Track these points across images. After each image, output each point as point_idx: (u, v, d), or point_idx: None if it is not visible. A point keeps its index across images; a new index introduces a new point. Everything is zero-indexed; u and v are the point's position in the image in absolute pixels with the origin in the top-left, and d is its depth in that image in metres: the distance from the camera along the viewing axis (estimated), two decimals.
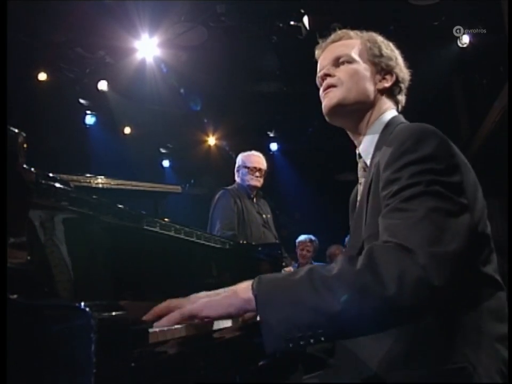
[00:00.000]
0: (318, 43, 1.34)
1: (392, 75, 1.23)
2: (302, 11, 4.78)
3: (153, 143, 7.55)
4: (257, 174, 3.30)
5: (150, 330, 0.84)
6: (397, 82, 1.23)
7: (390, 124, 1.17)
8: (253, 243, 2.64)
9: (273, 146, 8.11)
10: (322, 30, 5.10)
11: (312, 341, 0.84)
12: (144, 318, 0.94)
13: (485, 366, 0.93)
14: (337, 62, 1.22)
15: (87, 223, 0.99)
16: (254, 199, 3.35)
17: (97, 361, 0.65)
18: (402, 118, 1.21)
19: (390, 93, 1.23)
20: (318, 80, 1.28)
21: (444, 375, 0.93)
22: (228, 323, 1.18)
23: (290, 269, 3.73)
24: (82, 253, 0.96)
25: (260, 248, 2.23)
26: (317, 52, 1.32)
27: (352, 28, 1.31)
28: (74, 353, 0.66)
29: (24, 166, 0.81)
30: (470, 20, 4.93)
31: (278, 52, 5.54)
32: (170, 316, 0.92)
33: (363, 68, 1.20)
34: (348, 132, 1.28)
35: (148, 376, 0.80)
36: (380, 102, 1.21)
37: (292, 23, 4.90)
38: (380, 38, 1.27)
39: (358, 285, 0.83)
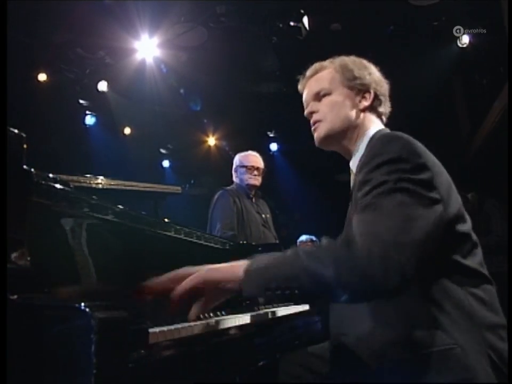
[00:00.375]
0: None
1: (370, 92, 1.31)
2: (302, 11, 4.77)
3: (153, 143, 7.54)
4: (255, 172, 3.29)
5: (150, 330, 0.84)
6: (376, 97, 1.32)
7: (373, 138, 1.25)
8: (253, 243, 2.63)
9: (273, 146, 8.11)
10: (322, 31, 5.12)
11: (287, 292, 1.00)
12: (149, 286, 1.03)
13: (472, 349, 0.99)
14: (318, 96, 1.33)
15: (86, 223, 0.99)
16: (253, 199, 3.35)
17: (97, 362, 0.65)
18: (385, 131, 1.28)
19: (372, 108, 1.32)
20: (306, 115, 1.38)
21: (432, 356, 0.99)
22: (228, 323, 1.19)
23: None
24: (81, 253, 0.96)
25: (260, 248, 2.23)
26: (299, 87, 1.42)
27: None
28: (74, 353, 0.66)
29: (24, 166, 0.81)
30: (470, 20, 4.93)
31: (278, 52, 5.54)
32: (180, 286, 1.02)
33: (341, 95, 1.30)
34: (341, 153, 1.38)
35: (147, 377, 0.80)
36: (364, 120, 1.31)
37: (291, 23, 4.89)
38: (351, 60, 1.35)
39: (335, 253, 0.98)
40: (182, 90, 6.31)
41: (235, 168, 3.39)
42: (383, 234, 0.94)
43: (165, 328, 0.91)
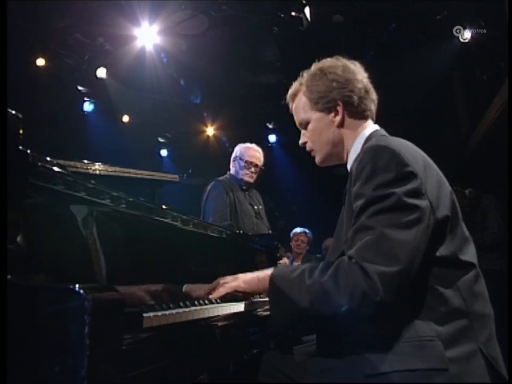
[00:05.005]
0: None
1: (339, 105, 1.31)
2: (304, 2, 4.74)
3: (152, 132, 7.51)
4: (252, 169, 3.27)
5: (145, 315, 0.85)
6: (347, 103, 1.31)
7: (366, 140, 1.29)
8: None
9: (272, 138, 8.09)
10: (323, 22, 5.08)
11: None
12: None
13: (454, 343, 1.03)
14: (302, 125, 1.41)
15: (83, 207, 0.99)
16: (246, 191, 3.34)
17: (91, 343, 0.65)
18: (376, 132, 1.31)
19: (349, 116, 1.32)
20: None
21: (409, 345, 1.04)
22: (222, 311, 1.19)
23: (285, 260, 3.73)
24: (77, 236, 0.96)
25: (256, 239, 2.23)
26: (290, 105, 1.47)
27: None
28: (67, 335, 0.66)
29: (20, 147, 0.81)
30: (472, 14, 4.90)
31: (278, 42, 5.51)
32: (218, 291, 1.30)
33: (317, 120, 1.35)
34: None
35: (141, 360, 0.80)
36: (346, 131, 1.33)
37: (293, 13, 4.86)
38: (313, 75, 1.35)
39: (324, 291, 1.08)
40: (182, 82, 6.27)
41: (234, 158, 3.37)
42: (366, 264, 1.02)
43: (159, 313, 0.91)
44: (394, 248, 1.02)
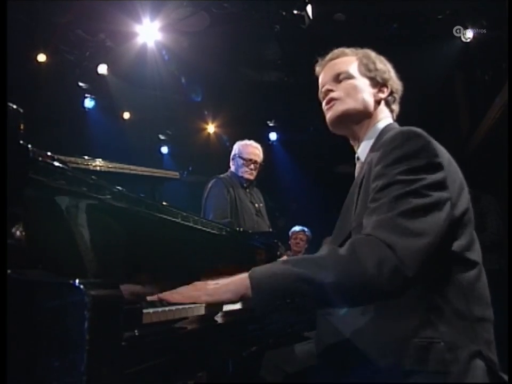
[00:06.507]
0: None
1: (387, 87, 1.37)
2: (306, 0, 4.73)
3: (153, 129, 7.50)
4: (252, 166, 3.27)
5: (144, 311, 0.85)
6: (391, 93, 1.38)
7: (384, 130, 1.30)
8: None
9: (273, 136, 8.08)
10: (325, 20, 5.07)
11: (296, 306, 0.98)
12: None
13: (457, 345, 1.01)
14: (337, 78, 1.37)
15: (83, 202, 0.98)
16: (247, 188, 3.33)
17: (90, 339, 0.65)
18: (396, 125, 1.33)
19: (386, 103, 1.37)
20: (320, 95, 1.42)
21: (412, 347, 1.01)
22: (222, 307, 1.19)
23: (285, 258, 3.73)
24: (77, 231, 0.96)
25: (257, 237, 2.23)
26: (317, 69, 1.45)
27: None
28: (67, 330, 0.66)
29: (21, 142, 0.80)
30: (474, 14, 4.89)
31: (280, 41, 5.49)
32: (172, 297, 1.04)
33: (361, 82, 1.35)
34: (349, 138, 1.42)
35: (140, 356, 0.80)
36: (377, 111, 1.35)
37: (295, 12, 4.84)
38: (373, 54, 1.40)
39: (342, 265, 0.97)
40: (183, 79, 6.26)
41: (233, 156, 3.37)
42: (391, 238, 0.97)
43: (159, 309, 0.91)
44: (418, 224, 0.98)
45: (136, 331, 0.77)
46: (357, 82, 1.34)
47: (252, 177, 3.30)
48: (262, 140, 4.11)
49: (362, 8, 4.81)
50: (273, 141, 8.10)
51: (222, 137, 7.70)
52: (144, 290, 1.11)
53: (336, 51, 1.42)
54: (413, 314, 1.05)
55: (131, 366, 0.77)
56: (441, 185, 1.06)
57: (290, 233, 5.20)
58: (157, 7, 4.90)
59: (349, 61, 1.38)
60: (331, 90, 1.35)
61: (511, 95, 4.00)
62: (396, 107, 1.41)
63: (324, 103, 1.39)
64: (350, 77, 1.35)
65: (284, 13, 4.90)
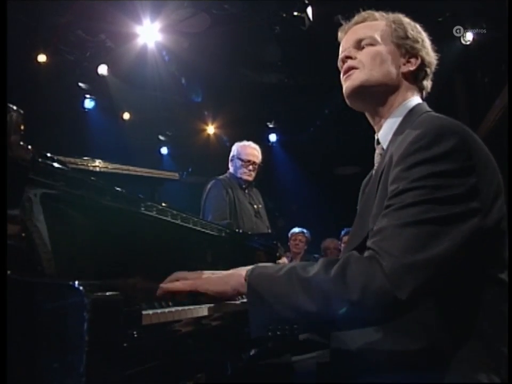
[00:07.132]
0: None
1: (417, 58, 1.18)
2: (306, 1, 4.73)
3: (152, 129, 7.51)
4: (250, 167, 3.28)
5: (144, 312, 0.85)
6: (422, 66, 1.19)
7: (414, 110, 1.13)
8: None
9: (272, 137, 8.08)
10: (325, 22, 5.07)
11: (288, 332, 0.95)
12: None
13: (479, 371, 0.91)
14: (359, 45, 1.19)
15: (83, 203, 0.98)
16: (246, 190, 3.34)
17: (90, 340, 0.65)
18: (427, 107, 1.16)
19: (415, 77, 1.19)
20: (339, 63, 1.24)
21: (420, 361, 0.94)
22: (221, 309, 1.19)
23: (284, 259, 3.74)
24: (77, 233, 0.96)
25: (256, 238, 2.23)
26: (339, 34, 1.28)
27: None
28: (66, 331, 0.66)
29: (21, 143, 0.80)
30: (475, 16, 4.89)
31: (280, 42, 5.50)
32: (174, 284, 1.05)
33: (386, 50, 1.16)
34: (368, 116, 1.24)
35: (139, 358, 0.80)
36: (404, 86, 1.17)
37: (295, 13, 4.85)
38: (406, 20, 1.22)
39: (328, 291, 0.90)
40: (183, 80, 6.26)
41: (231, 158, 3.38)
42: (391, 251, 0.87)
43: (158, 311, 0.91)
44: (420, 242, 0.86)
45: (135, 332, 0.77)
46: (381, 49, 1.15)
47: (250, 178, 3.30)
48: (261, 141, 4.12)
49: (362, 10, 4.81)
50: (273, 142, 8.10)
51: (222, 138, 7.70)
52: (144, 291, 1.11)
53: (364, 13, 1.25)
54: (429, 331, 0.96)
55: (130, 367, 0.77)
56: (469, 194, 0.91)
57: (289, 234, 5.21)
58: (157, 8, 4.91)
59: (375, 25, 1.20)
60: (349, 58, 1.17)
61: (511, 97, 4.00)
62: (426, 83, 1.22)
63: (342, 72, 1.21)
64: (373, 43, 1.17)
65: (284, 15, 4.91)
